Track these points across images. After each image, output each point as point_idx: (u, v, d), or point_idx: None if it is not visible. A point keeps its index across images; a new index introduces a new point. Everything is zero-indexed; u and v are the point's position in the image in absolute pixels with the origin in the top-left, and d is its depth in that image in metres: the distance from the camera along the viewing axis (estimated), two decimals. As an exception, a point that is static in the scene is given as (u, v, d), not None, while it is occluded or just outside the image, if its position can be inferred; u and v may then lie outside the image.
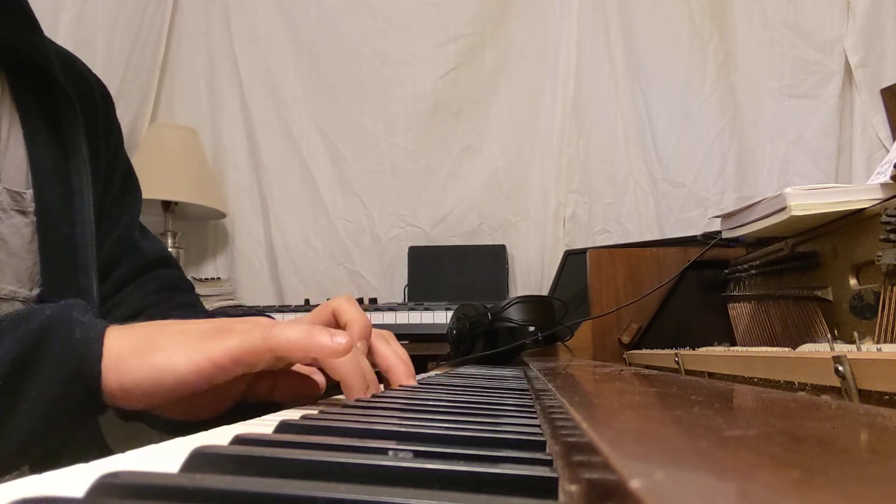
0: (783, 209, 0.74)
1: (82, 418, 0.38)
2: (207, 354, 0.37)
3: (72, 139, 0.62)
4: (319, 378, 0.47)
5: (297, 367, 0.46)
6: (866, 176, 0.92)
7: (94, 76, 0.71)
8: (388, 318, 1.48)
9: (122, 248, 0.70)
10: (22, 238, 0.58)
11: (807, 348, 0.55)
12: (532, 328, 0.99)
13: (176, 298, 0.71)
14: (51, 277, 0.59)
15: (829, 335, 0.72)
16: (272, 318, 0.47)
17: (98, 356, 0.36)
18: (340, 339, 0.37)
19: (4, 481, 0.17)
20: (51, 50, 0.63)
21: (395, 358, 0.49)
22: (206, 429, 0.28)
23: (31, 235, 0.59)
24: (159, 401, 0.38)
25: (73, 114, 0.63)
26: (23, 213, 0.59)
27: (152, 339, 0.37)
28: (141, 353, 0.37)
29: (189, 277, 1.71)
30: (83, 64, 0.70)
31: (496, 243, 1.81)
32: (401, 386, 0.48)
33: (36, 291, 0.60)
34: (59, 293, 0.58)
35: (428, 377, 0.62)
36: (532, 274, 1.81)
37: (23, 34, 0.60)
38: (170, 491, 0.15)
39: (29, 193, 0.59)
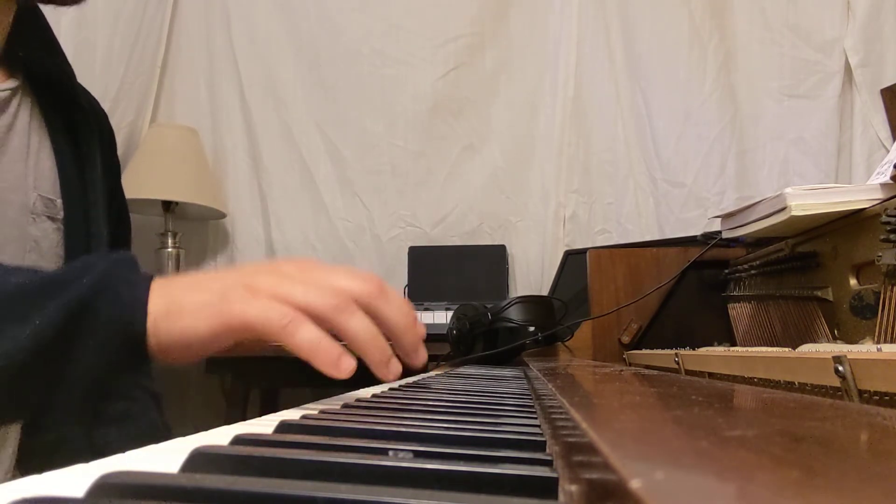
0: (783, 209, 0.74)
1: (133, 371, 0.41)
2: (224, 319, 0.39)
3: (89, 154, 0.66)
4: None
5: None
6: (866, 176, 0.92)
7: (102, 108, 0.74)
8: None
9: None
10: (50, 242, 0.62)
11: (807, 348, 0.55)
12: (532, 328, 0.99)
13: None
14: None
15: (829, 335, 0.72)
16: None
17: (143, 318, 0.39)
18: (346, 364, 0.38)
19: (4, 482, 0.17)
20: (72, 70, 0.67)
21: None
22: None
23: (58, 241, 0.62)
24: (193, 357, 0.40)
25: (90, 131, 0.66)
26: (52, 219, 0.62)
27: (179, 303, 0.40)
28: (170, 317, 0.39)
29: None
30: (92, 95, 0.74)
31: (496, 243, 1.81)
32: (401, 385, 0.48)
33: None
34: None
35: (428, 377, 0.62)
36: (532, 274, 1.81)
37: (47, 55, 0.64)
38: (170, 491, 0.15)
39: (59, 201, 0.62)
